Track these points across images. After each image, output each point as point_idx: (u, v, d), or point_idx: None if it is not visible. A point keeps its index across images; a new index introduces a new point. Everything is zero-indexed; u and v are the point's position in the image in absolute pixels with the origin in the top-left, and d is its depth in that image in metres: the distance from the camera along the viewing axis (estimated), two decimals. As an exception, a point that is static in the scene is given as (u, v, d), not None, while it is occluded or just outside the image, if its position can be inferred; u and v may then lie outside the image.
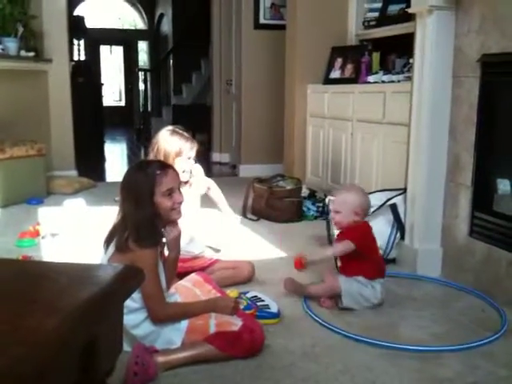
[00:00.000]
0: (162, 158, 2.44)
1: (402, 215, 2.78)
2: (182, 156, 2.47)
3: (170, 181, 1.86)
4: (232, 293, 2.24)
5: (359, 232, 2.26)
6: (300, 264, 2.42)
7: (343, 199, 2.32)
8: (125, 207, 1.83)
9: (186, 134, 2.52)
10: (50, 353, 0.86)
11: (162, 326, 1.82)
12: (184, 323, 1.83)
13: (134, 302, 1.78)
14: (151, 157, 2.50)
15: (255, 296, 2.26)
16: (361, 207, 2.29)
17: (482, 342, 1.95)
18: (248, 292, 2.30)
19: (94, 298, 1.05)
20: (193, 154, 2.51)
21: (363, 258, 2.24)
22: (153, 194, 1.82)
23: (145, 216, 1.80)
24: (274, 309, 2.16)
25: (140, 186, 1.82)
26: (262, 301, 2.21)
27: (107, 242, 1.84)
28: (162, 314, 1.82)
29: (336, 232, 2.54)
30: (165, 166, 1.91)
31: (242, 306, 2.11)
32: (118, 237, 1.79)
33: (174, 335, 1.82)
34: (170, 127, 2.56)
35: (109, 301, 1.10)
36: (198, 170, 2.70)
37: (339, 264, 2.37)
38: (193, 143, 2.51)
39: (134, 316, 1.79)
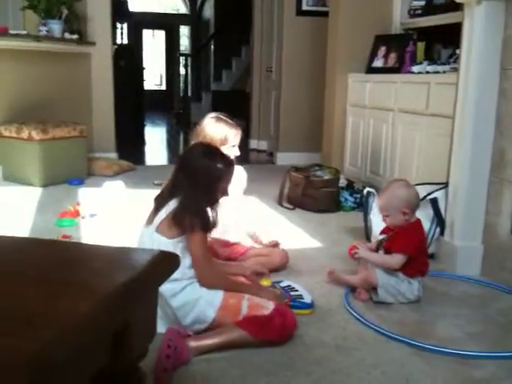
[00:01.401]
0: None
1: (442, 210, 2.72)
2: (228, 144, 2.45)
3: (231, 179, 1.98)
4: (265, 281, 2.23)
5: (412, 240, 2.18)
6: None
7: (388, 201, 2.22)
8: (186, 186, 1.86)
9: (230, 120, 2.51)
10: (82, 336, 0.87)
11: (199, 296, 1.85)
12: (218, 299, 1.86)
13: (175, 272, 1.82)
14: (195, 141, 2.50)
15: (289, 285, 2.24)
16: (407, 205, 2.19)
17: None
18: (281, 281, 2.29)
19: (128, 283, 1.06)
20: (237, 141, 2.50)
21: (410, 257, 2.18)
22: (218, 186, 1.91)
23: (207, 204, 1.88)
24: (307, 299, 2.14)
25: (215, 178, 1.90)
26: (296, 290, 2.20)
27: (157, 204, 1.92)
28: (212, 276, 1.91)
29: (378, 225, 2.49)
30: (231, 162, 1.99)
31: None
32: (178, 214, 1.83)
33: (207, 309, 1.85)
34: (215, 114, 2.54)
35: (143, 286, 1.11)
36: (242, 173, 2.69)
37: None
38: (237, 130, 2.49)
39: (174, 285, 1.82)
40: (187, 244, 1.86)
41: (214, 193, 1.91)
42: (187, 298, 1.85)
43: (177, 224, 1.83)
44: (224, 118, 2.50)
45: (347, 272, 2.43)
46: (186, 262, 1.86)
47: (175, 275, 1.78)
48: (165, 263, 1.21)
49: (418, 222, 2.27)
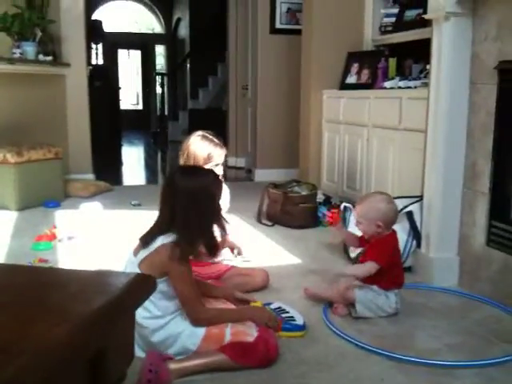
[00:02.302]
0: (192, 163, 2.45)
1: (418, 223, 2.75)
2: (212, 162, 2.46)
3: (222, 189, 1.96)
4: (255, 303, 2.18)
5: (385, 251, 2.20)
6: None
7: (366, 211, 2.24)
8: (183, 215, 1.79)
9: (216, 139, 2.52)
10: (58, 362, 0.86)
11: (182, 330, 1.82)
12: (201, 331, 1.83)
13: (157, 309, 1.81)
14: (181, 161, 2.50)
15: (279, 307, 2.20)
16: (383, 220, 2.21)
17: (504, 359, 1.89)
18: (272, 303, 2.24)
19: (104, 307, 1.05)
20: (221, 160, 2.51)
21: (382, 270, 2.20)
22: (218, 200, 1.90)
23: (211, 223, 1.87)
24: (299, 321, 2.10)
25: (210, 193, 1.87)
26: (287, 312, 2.16)
27: (143, 241, 1.84)
28: (203, 316, 1.85)
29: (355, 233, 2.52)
30: (214, 173, 1.98)
31: None
32: (171, 246, 1.77)
33: (189, 342, 1.82)
34: (201, 132, 2.55)
35: (120, 309, 1.11)
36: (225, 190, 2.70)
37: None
38: (222, 149, 2.51)
39: (156, 321, 1.81)
40: (173, 284, 1.79)
41: (218, 208, 1.90)
42: (169, 332, 1.82)
43: (171, 257, 1.75)
44: (210, 136, 2.52)
45: (326, 287, 2.44)
46: (167, 298, 1.82)
47: (158, 312, 1.80)
48: (141, 286, 1.21)
49: (393, 234, 2.29)
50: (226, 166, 2.60)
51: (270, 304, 2.23)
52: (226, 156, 2.49)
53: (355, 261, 2.36)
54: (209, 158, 2.44)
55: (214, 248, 1.87)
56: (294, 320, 2.11)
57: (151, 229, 1.87)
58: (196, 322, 1.83)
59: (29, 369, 0.82)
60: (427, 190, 2.72)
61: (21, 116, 4.61)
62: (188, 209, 1.80)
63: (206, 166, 2.45)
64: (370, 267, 2.19)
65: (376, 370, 1.83)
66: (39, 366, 0.84)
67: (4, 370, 0.81)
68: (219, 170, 2.52)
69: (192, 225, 1.80)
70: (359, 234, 2.47)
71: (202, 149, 2.46)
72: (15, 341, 0.91)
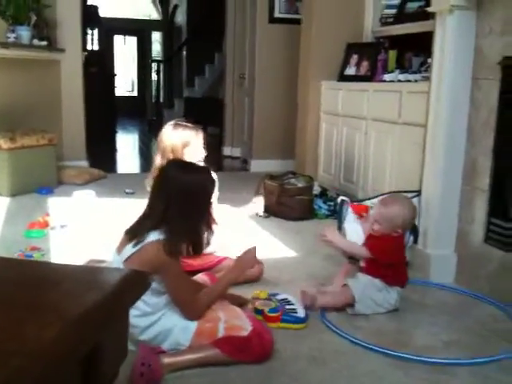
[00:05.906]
0: (170, 155, 2.41)
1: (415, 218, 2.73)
2: (191, 146, 2.44)
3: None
4: (262, 293, 2.21)
5: (386, 248, 2.16)
6: None
7: (389, 216, 2.16)
8: (177, 211, 1.73)
9: (188, 124, 2.50)
10: (50, 363, 0.82)
11: (173, 325, 1.78)
12: (193, 325, 1.80)
13: (147, 306, 1.76)
14: (159, 155, 2.47)
15: (285, 299, 2.21)
16: (403, 226, 2.21)
17: (500, 358, 1.88)
18: (278, 294, 2.26)
19: (98, 305, 1.01)
20: (200, 140, 2.49)
21: (387, 265, 2.17)
22: (210, 198, 1.86)
23: (201, 221, 1.83)
24: (300, 314, 2.10)
25: (205, 190, 1.82)
26: (291, 304, 2.17)
27: (131, 235, 1.77)
28: (199, 311, 1.82)
29: (353, 233, 2.48)
30: (208, 170, 1.92)
31: (268, 309, 2.09)
32: (170, 243, 1.71)
33: (182, 337, 1.79)
34: (172, 122, 2.55)
35: (114, 307, 1.07)
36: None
37: (362, 264, 2.25)
38: (197, 130, 2.49)
39: (146, 319, 1.77)
40: (168, 282, 1.75)
41: (208, 207, 1.85)
42: (161, 328, 1.79)
43: (169, 253, 1.69)
44: (181, 123, 2.51)
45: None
46: (157, 294, 1.77)
47: (148, 309, 1.75)
48: (136, 282, 1.17)
49: (400, 237, 2.25)
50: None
51: (276, 295, 2.24)
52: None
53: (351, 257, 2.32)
54: (186, 144, 2.43)
55: (199, 246, 1.83)
56: (296, 312, 2.11)
57: (139, 223, 1.80)
58: (193, 318, 1.80)
59: (20, 371, 0.79)
60: (425, 185, 2.69)
61: (14, 102, 4.53)
62: (183, 204, 1.75)
63: (187, 153, 2.42)
64: (361, 251, 2.20)
65: (372, 367, 1.81)
66: (31, 369, 0.80)
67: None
68: (202, 152, 2.49)
69: (184, 221, 1.75)
70: (357, 235, 2.41)
71: (178, 136, 2.44)
72: (5, 341, 0.87)
